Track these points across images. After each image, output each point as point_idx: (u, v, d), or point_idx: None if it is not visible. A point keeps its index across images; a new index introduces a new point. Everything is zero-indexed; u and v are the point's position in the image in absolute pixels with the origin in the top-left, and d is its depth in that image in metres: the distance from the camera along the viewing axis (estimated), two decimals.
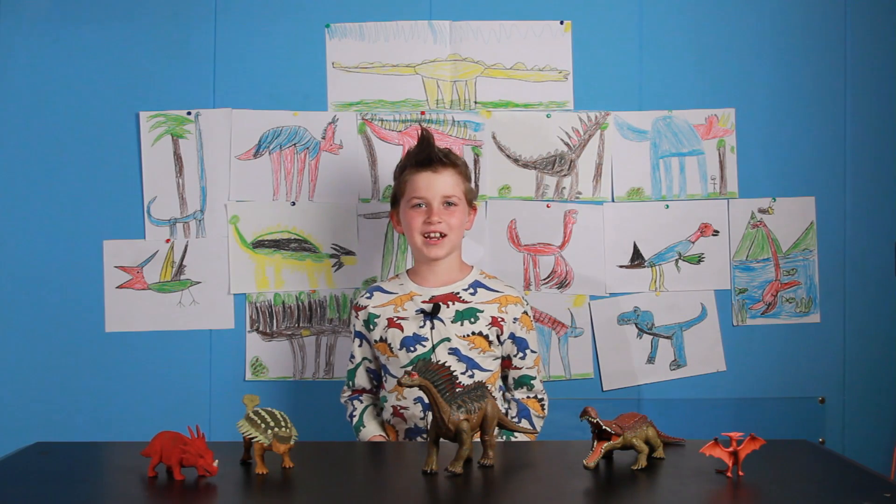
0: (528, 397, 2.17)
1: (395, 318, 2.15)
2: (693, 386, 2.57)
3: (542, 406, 2.18)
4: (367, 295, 2.22)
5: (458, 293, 2.15)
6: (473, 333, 2.12)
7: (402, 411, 2.12)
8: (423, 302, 2.15)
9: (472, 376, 2.10)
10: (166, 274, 2.53)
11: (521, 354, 2.17)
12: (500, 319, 2.14)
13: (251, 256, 2.55)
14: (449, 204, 2.14)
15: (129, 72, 2.53)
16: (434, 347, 2.11)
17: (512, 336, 2.16)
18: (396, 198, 2.22)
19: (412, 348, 2.12)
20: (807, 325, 2.58)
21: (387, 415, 2.16)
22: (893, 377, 2.59)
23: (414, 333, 2.13)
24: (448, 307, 2.13)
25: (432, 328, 2.12)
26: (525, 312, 2.18)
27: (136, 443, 1.68)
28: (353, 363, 2.24)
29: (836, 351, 2.58)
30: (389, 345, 2.14)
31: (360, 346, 2.22)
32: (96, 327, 2.52)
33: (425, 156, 2.15)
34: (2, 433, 2.43)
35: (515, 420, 2.14)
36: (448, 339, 2.11)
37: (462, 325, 2.12)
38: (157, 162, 2.54)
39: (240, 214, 2.55)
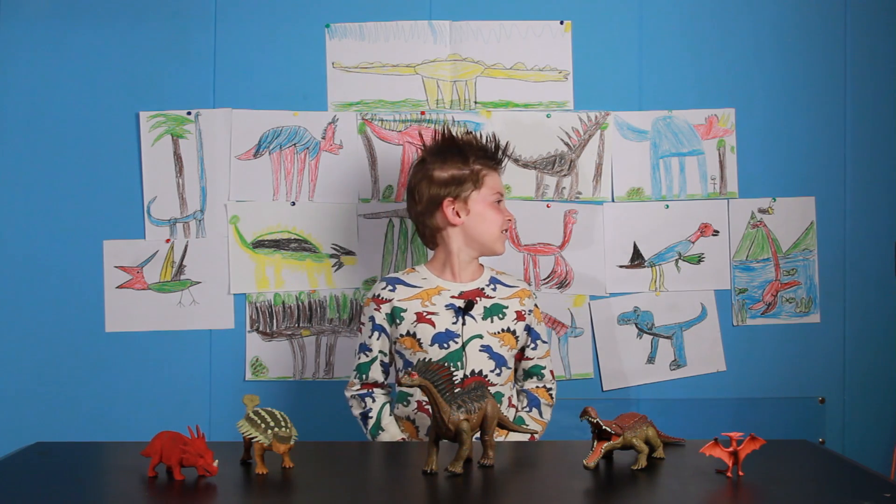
0: (538, 387, 2.20)
1: (424, 313, 2.12)
2: (693, 386, 2.57)
3: (551, 395, 2.21)
4: (390, 287, 2.17)
5: (482, 289, 2.16)
6: (503, 330, 2.12)
7: (427, 406, 2.09)
8: (453, 297, 2.14)
9: (499, 374, 2.11)
10: (166, 274, 2.53)
11: (533, 345, 2.19)
12: (522, 313, 2.16)
13: (251, 256, 2.55)
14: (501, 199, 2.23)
15: (129, 72, 2.53)
16: (465, 344, 2.11)
17: (527, 328, 2.18)
18: (459, 187, 2.15)
19: (445, 345, 2.09)
20: (807, 325, 2.58)
21: (409, 410, 2.13)
22: (893, 377, 2.59)
23: (447, 329, 2.11)
24: (477, 302, 2.14)
25: (464, 324, 2.12)
26: (536, 305, 2.23)
27: (136, 443, 1.68)
28: (367, 356, 2.17)
29: (836, 351, 2.58)
30: (419, 340, 2.11)
31: (378, 339, 2.16)
32: (96, 327, 2.52)
33: (497, 157, 2.22)
34: (2, 433, 2.43)
35: (527, 409, 2.16)
36: (480, 336, 2.11)
37: (492, 321, 2.12)
38: (157, 162, 2.54)
39: (240, 214, 2.55)
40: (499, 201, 2.19)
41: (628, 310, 2.57)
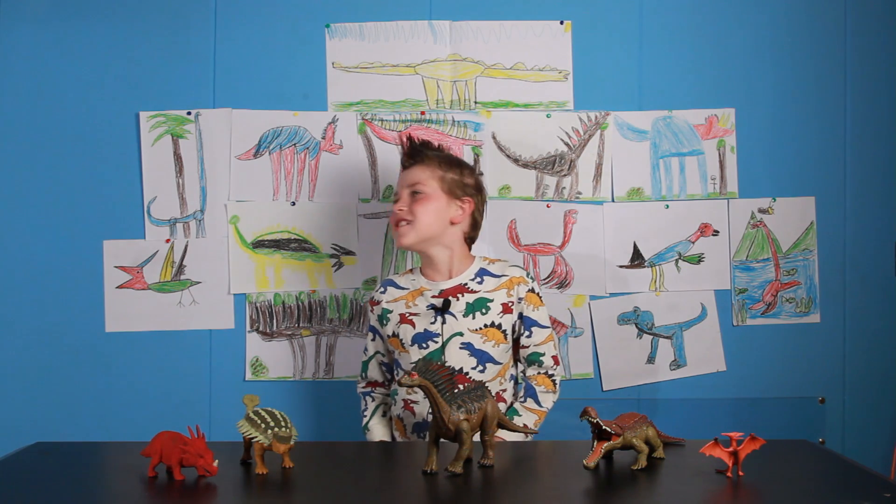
0: (538, 373, 2.16)
1: (406, 314, 2.15)
2: (693, 386, 2.57)
3: (554, 382, 2.16)
4: (382, 289, 2.22)
5: (465, 284, 2.15)
6: (486, 326, 2.12)
7: (412, 405, 2.12)
8: (433, 297, 2.14)
9: (482, 371, 2.10)
10: (166, 274, 2.54)
11: (527, 333, 2.16)
12: (509, 304, 2.14)
13: (251, 256, 2.55)
14: (415, 193, 2.14)
15: (129, 72, 2.54)
16: (445, 343, 2.11)
17: (520, 315, 2.16)
18: None
19: (424, 345, 2.11)
20: (807, 325, 2.58)
21: (397, 409, 2.16)
22: (893, 377, 2.59)
23: (425, 329, 2.12)
24: (458, 300, 2.13)
25: (443, 323, 2.12)
26: (531, 290, 2.16)
27: (136, 443, 1.68)
28: (366, 356, 2.25)
29: (836, 351, 2.58)
30: (401, 341, 2.14)
31: (373, 339, 2.23)
32: (96, 327, 2.52)
33: (402, 159, 2.23)
34: (2, 433, 2.43)
35: (521, 400, 2.14)
36: (460, 334, 2.11)
37: (474, 318, 2.12)
38: (157, 162, 2.54)
39: (240, 214, 2.55)
40: (396, 201, 2.18)
41: (628, 310, 2.57)
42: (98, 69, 2.53)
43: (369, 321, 2.24)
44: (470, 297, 2.13)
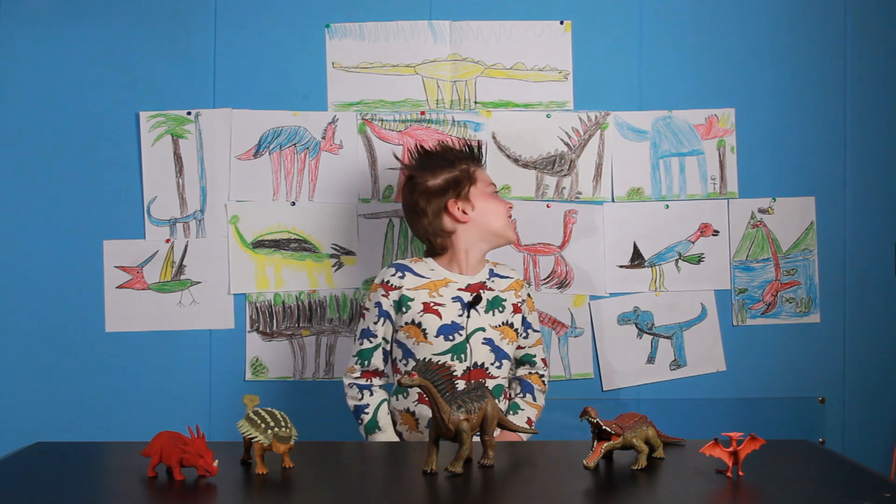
0: (531, 373, 2.24)
1: (431, 304, 2.12)
2: (693, 386, 2.57)
3: (544, 381, 2.24)
4: (399, 275, 2.15)
5: (485, 282, 2.18)
6: (503, 324, 2.15)
7: (426, 398, 2.09)
8: (460, 290, 2.14)
9: (499, 367, 2.13)
10: (166, 274, 2.54)
11: (525, 334, 2.22)
12: (518, 305, 2.19)
13: (251, 256, 2.55)
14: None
15: (129, 72, 2.53)
16: (468, 337, 2.11)
17: (521, 318, 2.21)
18: (457, 187, 2.17)
19: (450, 337, 2.10)
20: (807, 325, 2.58)
21: (410, 403, 2.12)
22: (893, 377, 2.59)
23: (452, 322, 2.11)
24: (482, 295, 2.15)
25: (468, 317, 2.13)
26: (529, 294, 2.25)
27: (136, 443, 1.68)
28: (371, 343, 2.15)
29: (836, 351, 2.58)
30: (424, 330, 2.10)
31: (382, 325, 2.14)
32: (96, 327, 2.52)
33: (476, 156, 2.25)
34: (2, 433, 2.43)
35: (521, 395, 2.19)
36: (483, 329, 2.12)
37: (493, 315, 2.14)
38: (157, 162, 2.54)
39: (240, 214, 2.55)
40: (495, 192, 2.24)
41: (628, 310, 2.57)
42: (98, 69, 2.53)
43: (380, 306, 2.13)
44: (489, 295, 2.16)
